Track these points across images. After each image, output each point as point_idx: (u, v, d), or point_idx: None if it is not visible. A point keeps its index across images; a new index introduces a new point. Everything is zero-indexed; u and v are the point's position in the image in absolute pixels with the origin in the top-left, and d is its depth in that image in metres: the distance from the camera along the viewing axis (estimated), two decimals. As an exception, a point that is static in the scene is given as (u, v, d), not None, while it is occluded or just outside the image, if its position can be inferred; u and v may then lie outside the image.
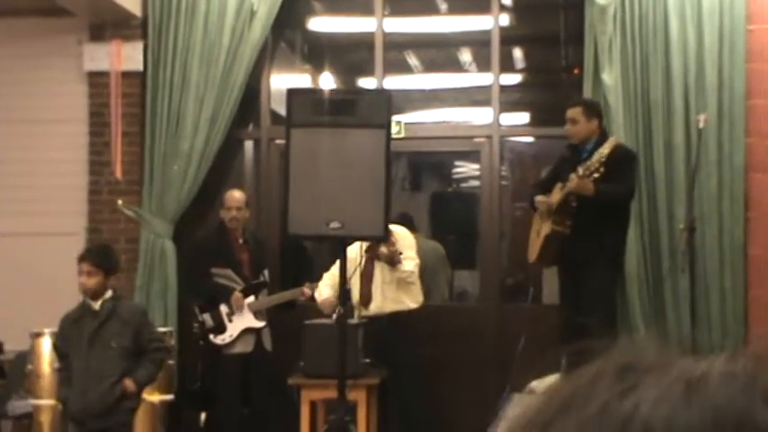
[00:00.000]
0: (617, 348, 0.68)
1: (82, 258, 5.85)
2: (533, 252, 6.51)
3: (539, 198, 6.35)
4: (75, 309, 5.93)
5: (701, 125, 6.49)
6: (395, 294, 6.99)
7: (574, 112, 6.37)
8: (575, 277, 6.24)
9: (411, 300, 7.03)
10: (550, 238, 6.25)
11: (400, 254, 6.78)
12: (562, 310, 6.40)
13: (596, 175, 5.87)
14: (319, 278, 7.13)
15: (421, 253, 7.23)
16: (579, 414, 0.64)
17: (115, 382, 5.66)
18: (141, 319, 5.94)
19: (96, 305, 5.76)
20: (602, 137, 6.35)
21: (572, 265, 6.23)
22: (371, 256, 6.89)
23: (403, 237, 6.94)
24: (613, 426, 0.63)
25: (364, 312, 6.94)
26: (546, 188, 6.47)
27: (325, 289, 6.94)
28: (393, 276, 6.92)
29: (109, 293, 5.80)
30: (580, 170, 5.90)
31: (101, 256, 5.92)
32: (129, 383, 5.69)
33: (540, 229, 6.40)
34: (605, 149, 5.94)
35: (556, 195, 6.26)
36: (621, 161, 6.11)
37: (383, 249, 6.74)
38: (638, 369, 0.65)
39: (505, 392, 6.64)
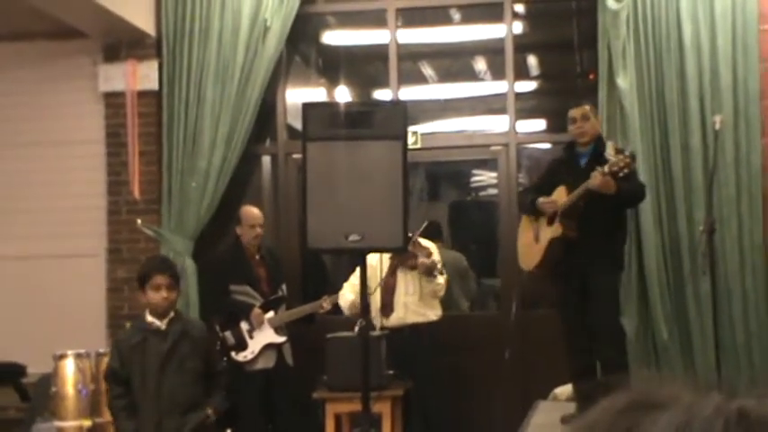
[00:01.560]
0: (631, 384, 0.74)
1: (158, 270, 5.45)
2: (532, 258, 6.34)
3: (542, 200, 6.23)
4: (132, 330, 5.56)
5: (717, 126, 6.47)
6: (417, 306, 6.99)
7: (584, 110, 6.31)
8: (578, 282, 6.13)
9: (432, 312, 7.04)
10: (557, 243, 6.13)
11: (439, 263, 6.82)
12: (564, 315, 6.31)
13: (626, 170, 5.81)
14: (338, 290, 7.14)
15: (444, 263, 7.25)
16: None
17: (189, 408, 5.31)
18: (209, 338, 5.64)
19: (163, 324, 5.37)
20: (599, 141, 6.30)
21: (575, 271, 6.12)
22: (396, 266, 6.89)
23: (434, 251, 6.99)
24: None
25: (385, 323, 6.94)
26: (538, 193, 6.37)
27: (349, 294, 6.95)
28: (416, 287, 6.93)
29: (173, 312, 5.46)
30: (606, 168, 5.83)
31: (175, 268, 5.62)
32: (211, 413, 5.40)
33: (539, 235, 6.30)
34: (611, 150, 5.91)
35: (561, 198, 6.15)
36: (633, 162, 6.09)
37: (423, 260, 6.76)
38: (643, 407, 0.71)
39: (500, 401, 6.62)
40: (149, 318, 5.40)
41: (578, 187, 5.96)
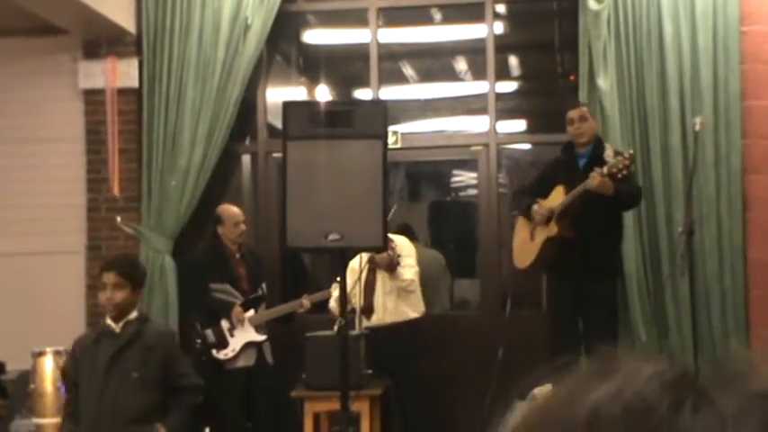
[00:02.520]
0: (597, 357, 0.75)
1: (106, 268, 5.02)
2: (527, 257, 6.44)
3: (536, 208, 6.32)
4: (91, 331, 5.19)
5: (698, 128, 6.49)
6: (395, 304, 6.99)
7: (582, 111, 6.38)
8: (572, 283, 6.20)
9: (412, 309, 7.03)
10: (552, 242, 6.20)
11: (398, 256, 6.78)
12: (555, 315, 6.36)
13: (624, 172, 5.85)
14: (317, 289, 7.15)
15: (421, 262, 7.24)
16: (550, 408, 0.75)
17: (134, 420, 4.80)
18: (170, 346, 5.07)
19: (117, 327, 4.94)
20: (598, 142, 6.36)
21: (570, 270, 6.19)
22: (372, 266, 6.89)
23: (402, 245, 6.94)
24: (563, 415, 0.72)
25: (366, 323, 6.94)
26: (535, 193, 6.43)
27: (334, 303, 6.96)
28: (393, 286, 6.92)
29: (134, 314, 5.00)
30: (604, 169, 5.87)
31: (129, 266, 5.13)
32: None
33: (535, 234, 6.36)
34: (610, 152, 5.94)
35: (557, 199, 6.21)
36: (633, 163, 6.13)
37: (382, 255, 6.75)
38: (594, 379, 0.73)
39: (486, 401, 6.64)
40: (107, 319, 5.02)
41: (576, 187, 6.01)
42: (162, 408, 4.92)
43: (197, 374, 5.29)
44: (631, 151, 5.97)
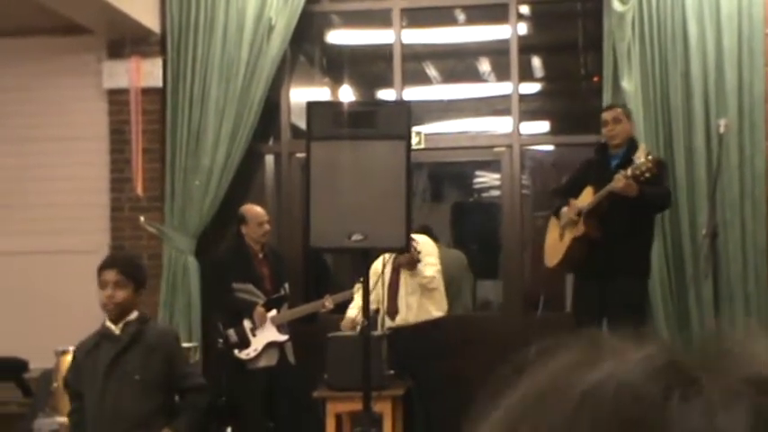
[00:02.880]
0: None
1: (106, 266, 4.78)
2: (555, 256, 6.45)
3: (564, 210, 6.32)
4: (91, 335, 4.86)
5: (722, 130, 6.46)
6: (419, 303, 6.98)
7: (616, 113, 6.37)
8: (599, 285, 6.19)
9: (435, 308, 7.02)
10: (579, 242, 6.20)
11: (419, 252, 6.76)
12: (580, 317, 6.35)
13: (648, 175, 5.84)
14: (340, 289, 7.15)
15: (444, 262, 7.23)
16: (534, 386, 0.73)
17: (137, 425, 4.56)
18: (173, 347, 4.82)
19: (117, 329, 4.69)
20: (632, 143, 6.34)
21: (597, 271, 6.18)
22: (395, 266, 6.89)
23: (424, 244, 6.93)
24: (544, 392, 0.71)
25: (390, 324, 6.94)
26: (568, 193, 6.43)
27: (352, 310, 6.97)
28: (416, 285, 6.91)
29: (134, 314, 4.74)
30: (629, 171, 5.86)
31: (131, 265, 4.89)
32: None
33: (564, 233, 6.36)
34: (642, 154, 5.92)
35: (587, 198, 6.21)
36: (661, 167, 6.10)
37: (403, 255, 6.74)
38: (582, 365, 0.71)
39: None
40: (106, 321, 4.76)
41: (604, 188, 6.02)
42: (166, 410, 4.70)
43: (200, 374, 5.16)
44: (651, 157, 5.90)
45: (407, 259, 6.75)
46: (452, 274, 7.61)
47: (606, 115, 6.39)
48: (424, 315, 6.96)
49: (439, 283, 6.99)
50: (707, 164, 7.06)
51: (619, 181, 5.88)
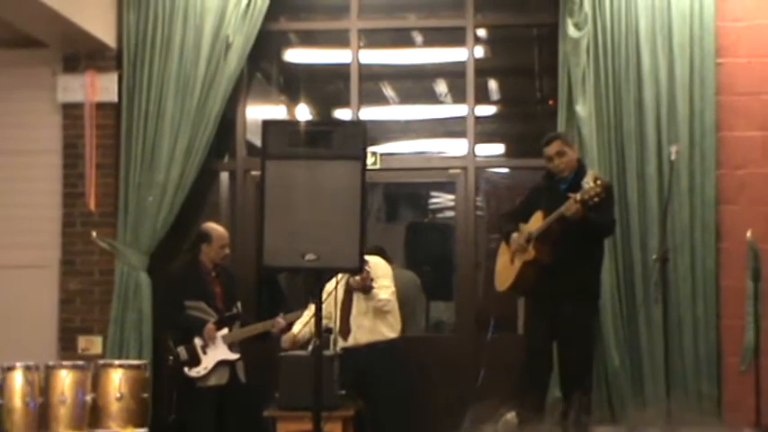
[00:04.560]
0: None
1: None
2: (506, 280, 6.48)
3: (515, 236, 6.36)
4: None
5: (673, 156, 6.54)
6: (371, 324, 6.98)
7: (557, 146, 6.39)
8: (548, 308, 6.23)
9: (388, 329, 7.02)
10: (529, 266, 6.24)
11: (371, 280, 6.78)
12: (530, 340, 6.39)
13: (596, 199, 5.88)
14: (293, 309, 7.14)
15: (398, 283, 7.25)
16: None
17: None
18: None
19: None
20: (581, 168, 6.39)
21: (548, 295, 6.22)
22: (348, 288, 6.88)
23: (377, 265, 6.94)
24: None
25: (343, 344, 6.93)
26: (518, 218, 6.48)
27: (298, 326, 6.97)
28: (369, 306, 6.91)
29: None
30: (578, 195, 5.91)
31: None
32: None
33: (515, 258, 6.40)
34: (595, 179, 5.96)
35: (536, 223, 6.26)
36: (608, 191, 6.14)
37: (356, 277, 6.74)
38: None
39: (466, 423, 6.64)
40: None
41: (554, 212, 6.05)
42: None
43: None
44: (599, 182, 5.93)
45: (359, 285, 6.76)
46: (406, 295, 7.62)
47: (548, 150, 6.41)
48: (377, 336, 6.96)
49: (393, 306, 7.00)
50: (658, 190, 7.14)
51: (570, 206, 5.94)
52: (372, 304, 6.88)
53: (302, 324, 6.94)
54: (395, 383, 7.00)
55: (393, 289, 7.00)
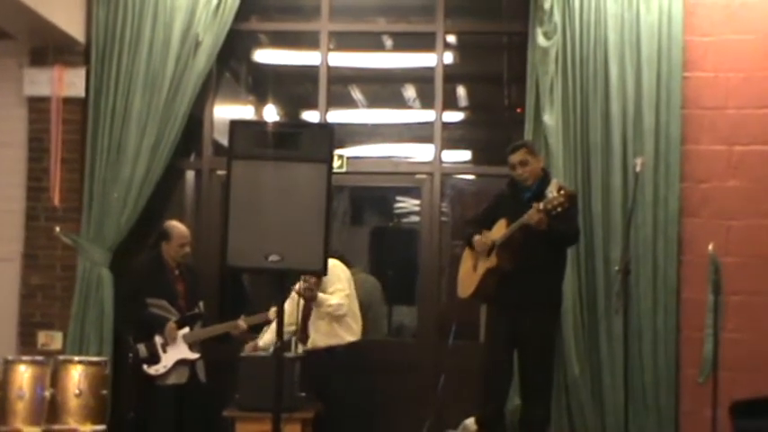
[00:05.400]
0: None
1: None
2: (468, 287, 6.50)
3: (477, 238, 6.38)
4: None
5: (638, 168, 6.59)
6: (328, 328, 7.00)
7: (521, 155, 6.42)
8: (509, 316, 6.26)
9: (347, 333, 7.04)
10: (491, 274, 6.26)
11: (311, 290, 6.79)
12: (491, 348, 6.41)
13: (559, 209, 5.91)
14: (256, 310, 7.13)
15: (360, 289, 7.26)
16: None
17: None
18: None
19: None
20: (545, 177, 6.43)
21: (509, 303, 6.25)
22: (297, 294, 6.89)
23: (332, 269, 6.93)
24: None
25: (302, 348, 6.94)
26: (482, 225, 6.50)
27: (268, 334, 6.99)
28: (323, 311, 6.94)
29: None
30: (540, 205, 5.93)
31: None
32: None
33: (478, 264, 6.42)
34: (554, 188, 5.98)
35: (500, 231, 6.29)
36: (571, 201, 6.17)
37: (299, 285, 6.78)
38: None
39: (425, 428, 6.68)
40: None
41: (517, 221, 6.08)
42: None
43: None
44: (563, 191, 5.97)
45: (305, 293, 6.79)
46: (368, 300, 7.65)
47: (513, 159, 6.45)
48: (334, 339, 6.99)
49: (348, 309, 7.01)
50: (623, 201, 7.19)
51: (533, 215, 5.97)
52: (323, 310, 6.91)
53: (270, 332, 6.95)
54: (353, 387, 7.01)
55: (347, 292, 7.02)
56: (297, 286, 6.82)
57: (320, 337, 6.99)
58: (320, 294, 6.90)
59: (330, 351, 6.97)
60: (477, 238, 6.40)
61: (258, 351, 6.96)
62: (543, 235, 6.04)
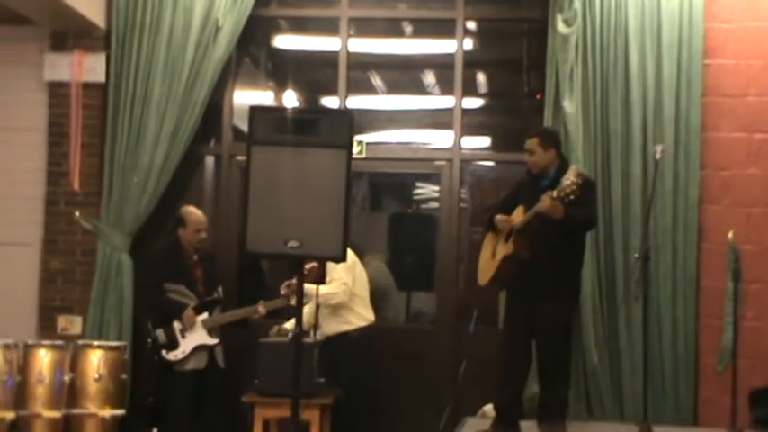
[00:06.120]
0: None
1: None
2: (486, 274, 6.50)
3: (499, 217, 6.35)
4: None
5: (658, 156, 6.56)
6: (334, 315, 7.02)
7: (531, 144, 6.41)
8: (527, 303, 6.25)
9: (356, 318, 7.07)
10: (508, 261, 6.25)
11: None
12: (509, 335, 6.41)
13: (572, 197, 5.89)
14: (274, 296, 7.13)
15: (372, 275, 7.30)
16: None
17: None
18: None
19: None
20: (563, 164, 6.39)
21: (526, 290, 6.24)
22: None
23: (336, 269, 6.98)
24: None
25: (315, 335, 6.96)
26: (501, 212, 6.48)
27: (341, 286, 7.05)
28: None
29: None
30: (554, 192, 5.91)
31: None
32: None
33: (496, 251, 6.41)
34: (571, 175, 5.96)
35: (518, 218, 6.28)
36: (586, 189, 6.14)
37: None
38: None
39: (445, 414, 6.68)
40: None
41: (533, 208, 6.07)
42: None
43: None
44: (574, 178, 5.92)
45: (311, 276, 6.81)
46: (380, 285, 7.70)
47: (526, 145, 6.44)
48: (343, 326, 7.04)
49: (340, 299, 7.00)
50: (642, 189, 7.17)
51: (544, 202, 5.95)
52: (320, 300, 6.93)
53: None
54: (372, 373, 7.03)
55: (344, 281, 7.01)
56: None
57: (328, 324, 7.02)
58: (314, 287, 6.89)
59: (343, 337, 6.99)
60: (498, 216, 6.35)
61: (284, 333, 6.94)
62: (559, 222, 6.02)
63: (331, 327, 7.03)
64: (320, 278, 6.93)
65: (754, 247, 7.10)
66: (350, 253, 7.14)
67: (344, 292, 7.01)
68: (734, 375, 6.49)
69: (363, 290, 7.22)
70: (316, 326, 6.95)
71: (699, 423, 7.06)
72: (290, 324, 7.01)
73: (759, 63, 7.30)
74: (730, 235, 6.70)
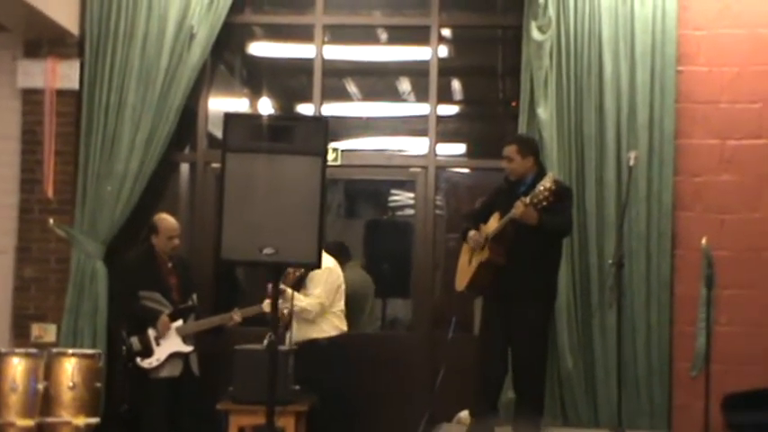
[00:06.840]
0: None
1: None
2: (463, 280, 6.53)
3: (472, 234, 6.41)
4: None
5: (632, 162, 6.60)
6: (306, 321, 7.01)
7: (508, 150, 6.44)
8: (503, 309, 6.27)
9: (329, 326, 7.07)
10: (484, 267, 6.28)
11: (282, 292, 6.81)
12: (485, 341, 6.42)
13: (545, 203, 5.92)
14: (250, 303, 7.12)
15: (350, 282, 7.29)
16: None
17: None
18: None
19: None
20: (541, 172, 6.42)
21: (502, 296, 6.27)
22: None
23: (319, 272, 6.94)
24: None
25: (297, 339, 6.95)
26: (479, 218, 6.52)
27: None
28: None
29: None
30: (527, 198, 5.95)
31: None
32: None
33: (472, 258, 6.44)
34: (546, 182, 5.99)
35: (493, 224, 6.30)
36: (561, 195, 6.18)
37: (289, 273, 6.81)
38: None
39: (424, 421, 6.69)
40: None
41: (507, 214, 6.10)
42: None
43: None
44: (548, 184, 5.94)
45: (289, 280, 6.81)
46: (358, 292, 7.69)
47: (504, 151, 6.48)
48: (317, 333, 7.04)
49: (315, 315, 6.99)
50: (616, 195, 7.20)
51: (518, 208, 5.99)
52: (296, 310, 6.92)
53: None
54: (346, 380, 7.02)
55: (322, 300, 7.00)
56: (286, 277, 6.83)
57: (298, 329, 7.01)
58: (291, 292, 6.87)
59: (313, 344, 6.98)
60: (471, 233, 6.42)
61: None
62: (534, 228, 6.05)
63: (301, 332, 7.02)
64: (297, 284, 6.93)
65: (727, 252, 7.14)
66: (338, 270, 7.14)
67: (318, 313, 7.01)
68: (707, 381, 6.53)
69: (341, 302, 7.21)
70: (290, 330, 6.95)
71: (673, 428, 7.10)
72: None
73: (732, 70, 7.36)
74: (704, 241, 6.75)
